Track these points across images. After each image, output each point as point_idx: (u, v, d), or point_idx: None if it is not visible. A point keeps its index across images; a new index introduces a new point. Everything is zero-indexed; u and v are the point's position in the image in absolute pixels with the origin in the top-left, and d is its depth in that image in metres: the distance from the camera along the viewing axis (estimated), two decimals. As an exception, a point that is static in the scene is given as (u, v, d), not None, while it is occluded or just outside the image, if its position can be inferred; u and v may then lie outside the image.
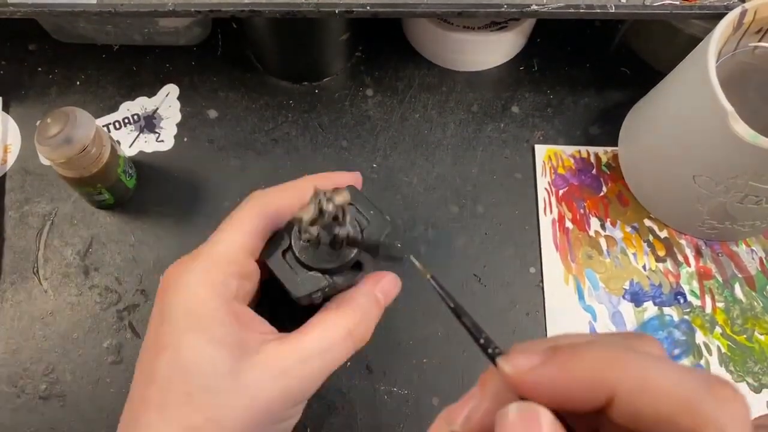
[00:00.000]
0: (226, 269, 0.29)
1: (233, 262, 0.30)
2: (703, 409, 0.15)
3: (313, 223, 0.27)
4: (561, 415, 0.17)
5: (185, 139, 0.56)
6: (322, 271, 0.29)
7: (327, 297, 0.31)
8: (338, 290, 0.31)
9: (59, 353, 0.49)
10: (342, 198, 0.28)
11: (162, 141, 0.56)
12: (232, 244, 0.30)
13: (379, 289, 0.31)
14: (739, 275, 0.52)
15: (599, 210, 0.54)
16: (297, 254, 0.29)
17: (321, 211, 0.27)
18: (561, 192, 0.55)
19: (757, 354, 0.50)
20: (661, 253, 0.53)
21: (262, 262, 0.31)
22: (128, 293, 0.51)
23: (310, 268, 0.29)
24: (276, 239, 0.31)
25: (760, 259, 0.53)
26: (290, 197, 0.34)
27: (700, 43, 0.46)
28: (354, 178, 0.38)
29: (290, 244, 0.30)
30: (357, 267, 0.31)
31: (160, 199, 0.54)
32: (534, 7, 0.48)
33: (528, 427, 0.16)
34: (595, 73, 0.60)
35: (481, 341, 0.21)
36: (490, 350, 0.20)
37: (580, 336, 0.20)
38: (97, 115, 0.56)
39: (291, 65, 0.58)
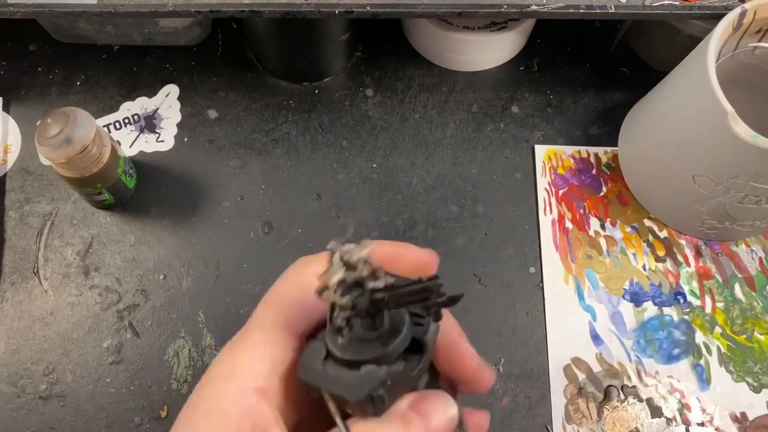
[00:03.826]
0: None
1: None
2: None
3: (341, 286, 0.21)
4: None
5: (185, 139, 0.56)
6: (375, 362, 0.22)
7: (391, 394, 0.22)
8: (407, 382, 0.23)
9: (59, 353, 0.49)
10: (367, 247, 0.22)
11: (162, 141, 0.56)
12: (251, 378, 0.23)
13: (417, 408, 0.22)
14: (739, 275, 0.53)
15: (599, 210, 0.54)
16: (339, 355, 0.22)
17: (348, 264, 0.21)
18: (561, 192, 0.55)
19: (757, 354, 0.50)
20: (661, 253, 0.53)
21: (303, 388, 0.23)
22: (128, 293, 0.51)
23: (358, 365, 0.22)
24: (310, 350, 0.23)
25: (760, 259, 0.53)
26: (304, 286, 0.25)
27: (700, 43, 0.46)
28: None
29: (327, 349, 0.23)
30: (417, 349, 0.23)
31: (160, 199, 0.54)
32: (534, 7, 0.48)
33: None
34: (595, 73, 0.60)
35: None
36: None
37: None
38: (97, 115, 0.56)
39: (291, 65, 0.58)
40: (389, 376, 0.21)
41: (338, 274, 0.21)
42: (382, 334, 0.22)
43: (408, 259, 0.24)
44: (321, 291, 0.21)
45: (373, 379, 0.21)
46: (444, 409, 0.22)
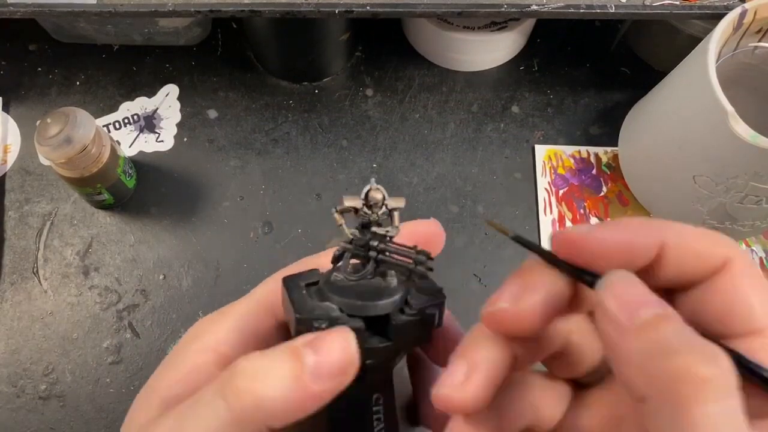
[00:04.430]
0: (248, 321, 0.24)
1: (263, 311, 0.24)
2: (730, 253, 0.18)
3: (355, 212, 0.23)
4: None
5: (185, 139, 0.56)
6: (341, 306, 0.22)
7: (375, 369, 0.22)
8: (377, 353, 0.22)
9: (59, 353, 0.49)
10: (397, 201, 0.23)
11: (162, 141, 0.56)
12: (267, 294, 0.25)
13: (312, 343, 0.20)
14: (739, 275, 0.52)
15: (599, 210, 0.54)
16: (320, 284, 0.23)
17: (368, 202, 0.23)
18: (561, 192, 0.55)
19: (757, 354, 0.50)
20: (661, 253, 0.53)
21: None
22: (128, 293, 0.51)
23: (326, 299, 0.22)
24: (307, 272, 0.24)
25: (761, 259, 0.53)
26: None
27: (700, 43, 0.46)
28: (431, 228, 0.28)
29: (317, 279, 0.24)
30: (388, 337, 0.23)
31: (160, 199, 0.54)
32: (534, 7, 0.48)
33: (630, 286, 0.18)
34: (595, 73, 0.60)
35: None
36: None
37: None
38: (97, 115, 0.56)
39: (291, 65, 0.58)
40: (341, 323, 0.22)
41: (356, 202, 0.23)
42: (365, 290, 0.23)
43: (419, 234, 0.26)
44: (339, 211, 0.23)
45: (325, 313, 0.22)
46: (340, 347, 0.20)
